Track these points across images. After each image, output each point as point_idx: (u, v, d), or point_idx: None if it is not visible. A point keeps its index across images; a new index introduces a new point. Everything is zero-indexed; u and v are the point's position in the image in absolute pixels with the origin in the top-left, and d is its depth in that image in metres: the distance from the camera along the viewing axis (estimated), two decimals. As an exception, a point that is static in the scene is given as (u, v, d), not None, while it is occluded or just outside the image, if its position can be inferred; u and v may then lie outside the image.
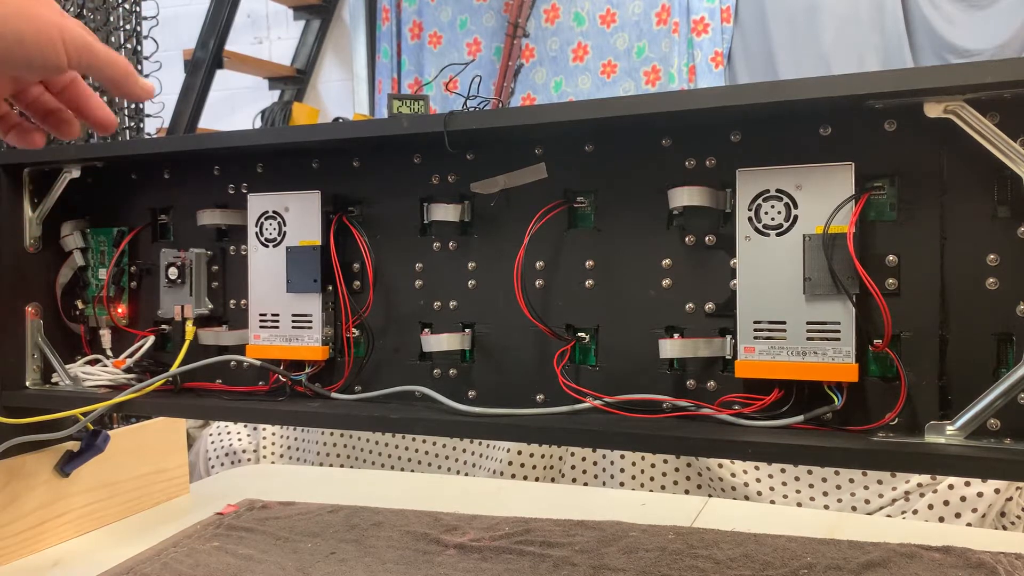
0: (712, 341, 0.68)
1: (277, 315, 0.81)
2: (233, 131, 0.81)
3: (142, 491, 1.01)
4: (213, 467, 1.83)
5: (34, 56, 0.49)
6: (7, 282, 0.86)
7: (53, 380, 0.89)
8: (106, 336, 0.90)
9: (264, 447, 1.82)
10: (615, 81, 3.16)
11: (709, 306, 0.69)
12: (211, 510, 0.99)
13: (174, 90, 2.86)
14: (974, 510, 1.30)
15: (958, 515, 1.31)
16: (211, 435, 1.88)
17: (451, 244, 0.78)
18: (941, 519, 1.32)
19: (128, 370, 0.87)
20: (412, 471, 1.63)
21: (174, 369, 0.82)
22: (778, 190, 0.64)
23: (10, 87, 0.57)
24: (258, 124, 3.33)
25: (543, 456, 1.55)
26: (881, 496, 1.39)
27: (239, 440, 1.84)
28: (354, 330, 0.81)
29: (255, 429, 1.85)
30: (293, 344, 0.80)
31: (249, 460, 1.81)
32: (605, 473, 1.53)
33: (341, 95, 3.63)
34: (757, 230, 0.64)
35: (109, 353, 0.90)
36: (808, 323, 0.63)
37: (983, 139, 0.57)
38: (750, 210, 0.65)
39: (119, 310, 0.90)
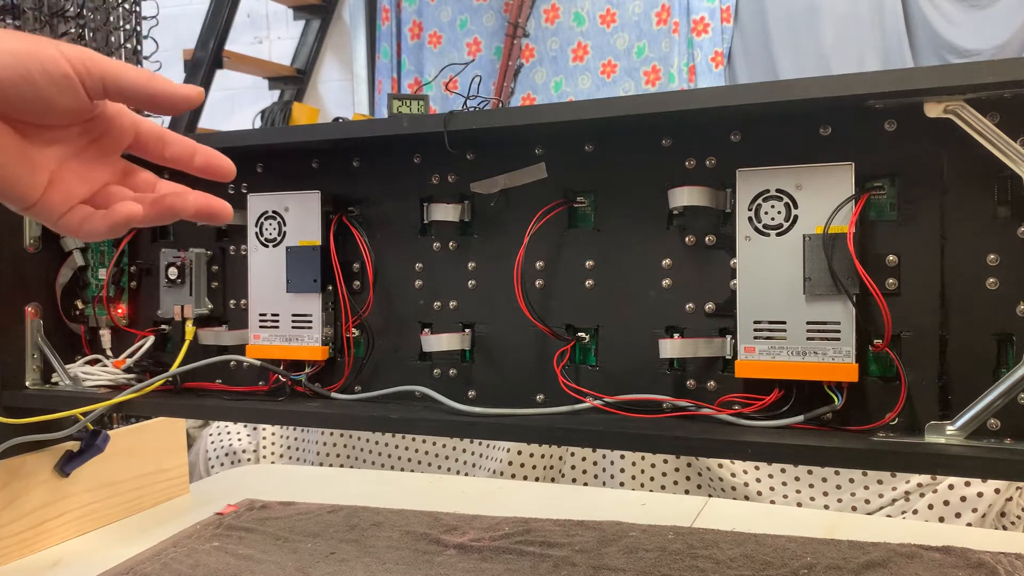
0: (712, 341, 0.68)
1: (277, 315, 0.81)
2: (233, 131, 0.81)
3: (142, 491, 1.01)
4: (213, 467, 1.83)
5: (43, 86, 0.46)
6: (7, 282, 0.86)
7: (53, 380, 0.88)
8: (106, 336, 0.90)
9: (264, 447, 1.82)
10: (615, 81, 3.16)
11: (709, 306, 0.69)
12: (211, 510, 0.99)
13: (174, 90, 2.85)
14: (974, 510, 1.30)
15: (958, 515, 1.31)
16: (211, 435, 1.88)
17: (451, 244, 0.78)
18: (941, 519, 1.32)
19: (128, 370, 0.87)
20: (412, 471, 1.63)
21: (174, 369, 0.82)
22: (778, 190, 0.64)
23: (100, 170, 0.52)
24: (258, 124, 3.33)
25: (543, 456, 1.55)
26: (881, 496, 1.39)
27: (239, 440, 1.84)
28: (354, 330, 0.81)
29: (255, 429, 1.85)
30: (293, 344, 0.80)
31: (249, 460, 1.81)
32: (605, 473, 1.53)
33: (341, 95, 3.63)
34: (757, 230, 0.64)
35: (109, 353, 0.90)
36: (808, 323, 0.63)
37: (983, 139, 0.57)
38: (750, 210, 0.65)
39: (119, 310, 0.90)
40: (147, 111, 0.53)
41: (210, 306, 0.87)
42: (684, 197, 0.67)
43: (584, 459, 1.56)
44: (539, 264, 0.75)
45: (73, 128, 0.50)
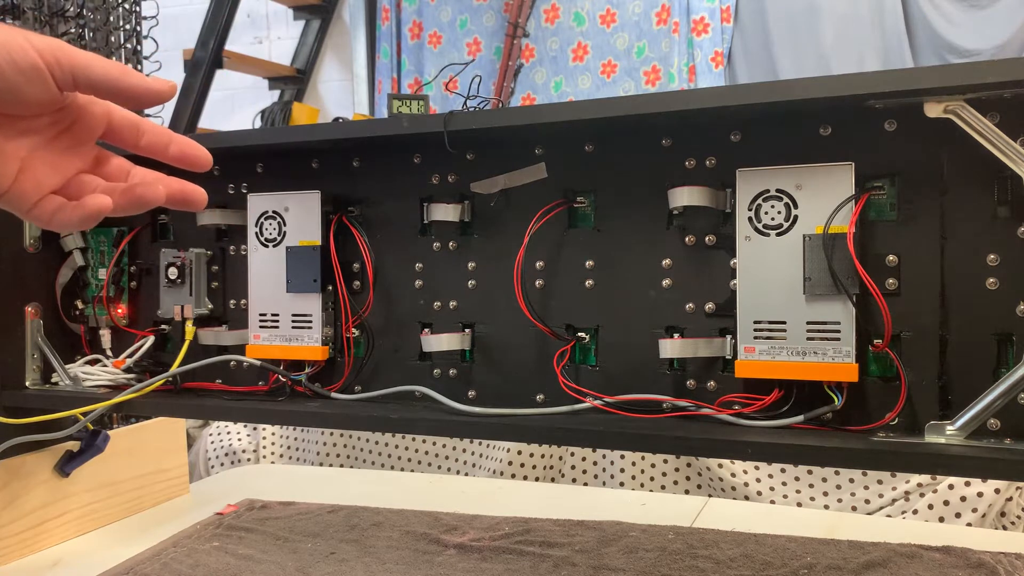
0: (712, 341, 0.68)
1: (277, 315, 0.81)
2: (233, 131, 0.81)
3: (142, 491, 1.01)
4: (213, 467, 1.83)
5: (11, 77, 0.45)
6: (7, 282, 0.86)
7: (53, 380, 0.89)
8: (106, 336, 0.90)
9: (264, 447, 1.82)
10: (615, 81, 3.16)
11: (709, 306, 0.69)
12: (211, 510, 0.99)
13: (174, 90, 2.86)
14: (974, 510, 1.30)
15: (958, 515, 1.31)
16: (211, 435, 1.88)
17: (451, 244, 0.78)
18: (941, 519, 1.32)
19: (128, 370, 0.87)
20: (412, 471, 1.63)
21: (174, 369, 0.82)
22: (778, 190, 0.64)
23: (72, 159, 0.51)
24: (258, 124, 3.33)
25: (543, 456, 1.55)
26: (881, 496, 1.39)
27: (239, 440, 1.84)
28: (354, 330, 0.81)
29: (255, 429, 1.85)
30: (293, 344, 0.80)
31: (249, 460, 1.81)
32: (605, 473, 1.53)
33: (341, 95, 3.63)
34: (757, 230, 0.64)
35: (109, 353, 0.90)
36: (808, 323, 0.63)
37: (983, 139, 0.57)
38: (750, 210, 0.65)
39: (119, 310, 0.90)
40: (119, 105, 0.52)
41: (210, 306, 0.87)
42: (684, 197, 0.67)
43: (584, 459, 1.56)
44: (539, 264, 0.75)
45: (43, 118, 0.49)
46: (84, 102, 0.51)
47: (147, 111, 1.61)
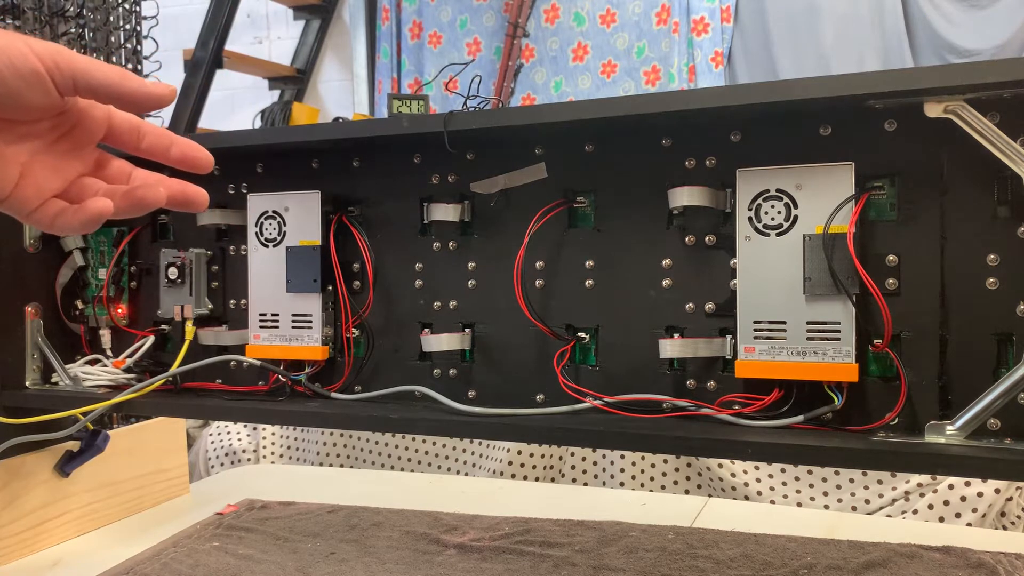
0: (712, 341, 0.68)
1: (277, 315, 0.81)
2: (233, 131, 0.81)
3: (142, 491, 1.01)
4: (213, 467, 1.83)
5: (12, 82, 0.45)
6: (7, 282, 0.86)
7: (53, 380, 0.89)
8: (106, 336, 0.90)
9: (264, 447, 1.82)
10: (615, 81, 3.16)
11: (709, 306, 0.69)
12: (211, 510, 0.99)
13: (174, 90, 2.86)
14: (974, 510, 1.30)
15: (958, 515, 1.31)
16: (211, 435, 1.88)
17: (451, 244, 0.78)
18: (941, 519, 1.32)
19: (128, 370, 0.87)
20: (412, 471, 1.63)
21: (174, 369, 0.82)
22: (778, 190, 0.64)
23: (72, 163, 0.51)
24: (258, 124, 3.33)
25: (543, 456, 1.55)
26: (881, 496, 1.39)
27: (239, 440, 1.84)
28: (354, 330, 0.81)
29: (255, 429, 1.85)
30: (293, 344, 0.80)
31: (249, 460, 1.81)
32: (605, 473, 1.53)
33: (341, 95, 3.63)
34: (757, 230, 0.64)
35: (109, 353, 0.90)
36: (808, 323, 0.63)
37: (983, 139, 0.57)
38: (750, 210, 0.65)
39: (119, 310, 0.90)
40: (119, 108, 0.51)
41: (210, 306, 0.87)
42: (684, 197, 0.67)
43: (584, 459, 1.56)
44: (539, 264, 0.75)
45: (44, 122, 0.49)
46: (84, 106, 0.51)
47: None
